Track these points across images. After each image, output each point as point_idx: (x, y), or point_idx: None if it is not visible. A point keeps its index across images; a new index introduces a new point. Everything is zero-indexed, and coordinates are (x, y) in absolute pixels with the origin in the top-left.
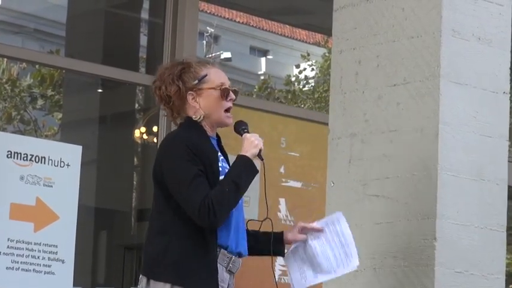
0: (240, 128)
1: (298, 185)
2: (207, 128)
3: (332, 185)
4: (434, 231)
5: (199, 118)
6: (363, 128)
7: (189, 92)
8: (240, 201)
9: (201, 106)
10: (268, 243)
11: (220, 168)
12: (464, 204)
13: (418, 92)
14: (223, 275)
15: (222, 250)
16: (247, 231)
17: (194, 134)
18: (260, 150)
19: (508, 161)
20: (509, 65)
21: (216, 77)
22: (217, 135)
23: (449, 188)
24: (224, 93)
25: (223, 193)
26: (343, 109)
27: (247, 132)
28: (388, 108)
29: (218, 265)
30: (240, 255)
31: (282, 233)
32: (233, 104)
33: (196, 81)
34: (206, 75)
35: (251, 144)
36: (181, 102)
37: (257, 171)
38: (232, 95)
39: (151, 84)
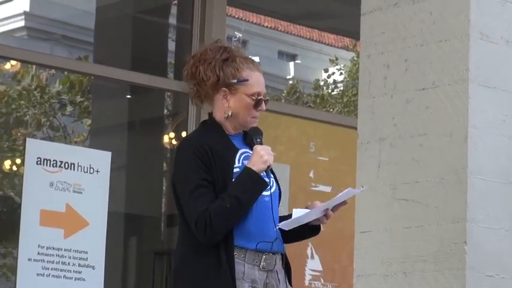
0: (254, 136)
1: (327, 189)
2: (228, 127)
3: (362, 189)
4: (464, 235)
5: (227, 116)
6: (391, 132)
7: (223, 87)
8: (274, 198)
9: (230, 105)
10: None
11: (238, 169)
12: (494, 207)
13: (447, 96)
14: (254, 274)
15: (248, 250)
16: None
17: (210, 135)
18: (268, 167)
19: None
20: None
21: (255, 84)
22: (243, 131)
23: (479, 192)
24: (256, 103)
25: (223, 208)
26: (371, 113)
27: (260, 143)
28: (417, 112)
29: (247, 265)
30: (273, 251)
31: None
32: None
33: (235, 81)
34: (247, 80)
35: (260, 159)
36: (212, 92)
37: (265, 186)
38: (263, 106)
39: (189, 57)
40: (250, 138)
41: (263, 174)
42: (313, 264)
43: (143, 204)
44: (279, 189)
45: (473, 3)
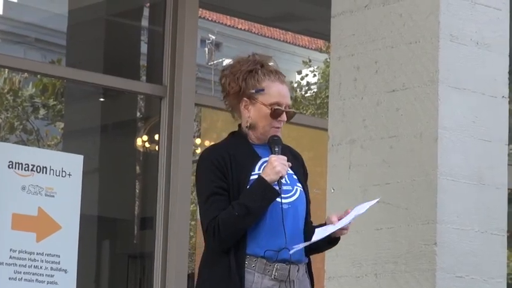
0: (272, 146)
1: None
2: (252, 137)
3: (332, 191)
4: (434, 236)
5: (247, 127)
6: (362, 133)
7: (244, 98)
8: (294, 207)
9: (250, 115)
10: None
11: (256, 176)
12: (464, 208)
13: (417, 98)
14: (264, 284)
15: (259, 259)
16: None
17: (234, 144)
18: (281, 177)
19: (508, 165)
20: (507, 69)
21: (274, 93)
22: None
23: (449, 193)
24: (274, 114)
25: (232, 217)
26: (342, 115)
27: (278, 153)
28: (387, 113)
29: (257, 274)
30: (286, 261)
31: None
32: None
33: (253, 91)
34: (263, 90)
35: (273, 169)
36: (236, 102)
37: (276, 196)
38: (283, 117)
39: (221, 72)
40: (269, 146)
41: (275, 184)
42: None
43: (116, 207)
44: (307, 197)
45: (443, 5)
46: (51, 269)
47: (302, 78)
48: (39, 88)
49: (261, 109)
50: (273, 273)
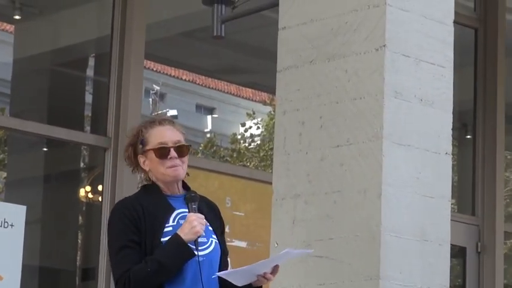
0: (189, 203)
1: (243, 244)
2: (164, 188)
3: (276, 245)
4: None
5: (151, 180)
6: (306, 188)
7: (139, 156)
8: (209, 259)
9: (149, 167)
10: None
11: (170, 228)
12: (407, 264)
13: (361, 153)
14: None
15: None
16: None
17: (146, 196)
18: (198, 237)
19: (451, 220)
20: (451, 126)
21: (155, 137)
22: (186, 189)
23: (392, 249)
24: (159, 153)
25: (143, 272)
26: (286, 170)
27: (195, 211)
28: (331, 169)
29: None
30: None
31: None
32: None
33: (140, 146)
34: (143, 139)
35: (191, 229)
36: (139, 167)
37: (191, 256)
38: (172, 153)
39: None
40: (186, 202)
41: (192, 242)
42: None
43: (59, 258)
44: (222, 247)
45: (388, 62)
46: None
47: (246, 130)
48: None
49: (151, 156)
50: None
